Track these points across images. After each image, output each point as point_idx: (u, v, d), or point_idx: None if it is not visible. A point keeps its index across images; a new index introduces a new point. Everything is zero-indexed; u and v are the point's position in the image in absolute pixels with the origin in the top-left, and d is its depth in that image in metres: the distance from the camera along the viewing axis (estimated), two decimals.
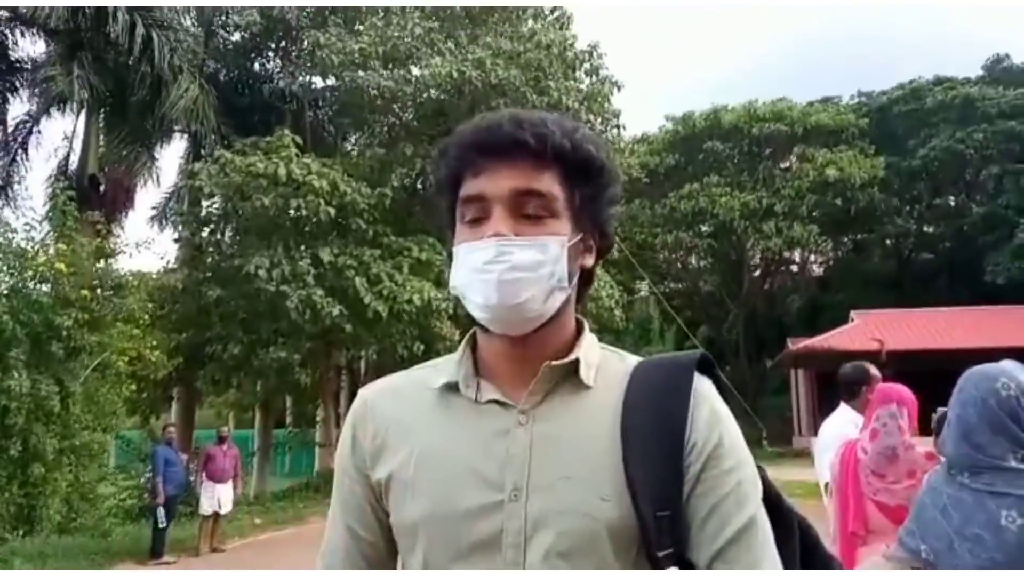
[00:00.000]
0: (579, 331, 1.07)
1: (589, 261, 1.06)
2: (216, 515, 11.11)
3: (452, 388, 1.05)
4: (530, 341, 1.01)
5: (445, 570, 0.98)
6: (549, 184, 0.99)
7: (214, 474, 11.15)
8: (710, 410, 1.00)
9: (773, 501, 1.03)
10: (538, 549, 0.94)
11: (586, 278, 1.08)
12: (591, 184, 1.03)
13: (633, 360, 1.07)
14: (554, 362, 1.01)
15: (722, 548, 0.95)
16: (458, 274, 1.01)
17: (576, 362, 1.02)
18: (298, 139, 15.73)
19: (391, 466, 1.04)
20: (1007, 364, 1.77)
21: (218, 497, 11.05)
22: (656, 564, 0.94)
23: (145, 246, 13.74)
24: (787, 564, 0.99)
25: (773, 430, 23.07)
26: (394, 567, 1.11)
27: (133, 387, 13.39)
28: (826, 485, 3.30)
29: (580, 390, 1.02)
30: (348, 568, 1.09)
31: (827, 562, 1.09)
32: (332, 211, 14.90)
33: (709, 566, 0.95)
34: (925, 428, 3.55)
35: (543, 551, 0.94)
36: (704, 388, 1.02)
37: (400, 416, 1.06)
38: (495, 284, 0.96)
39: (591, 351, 1.05)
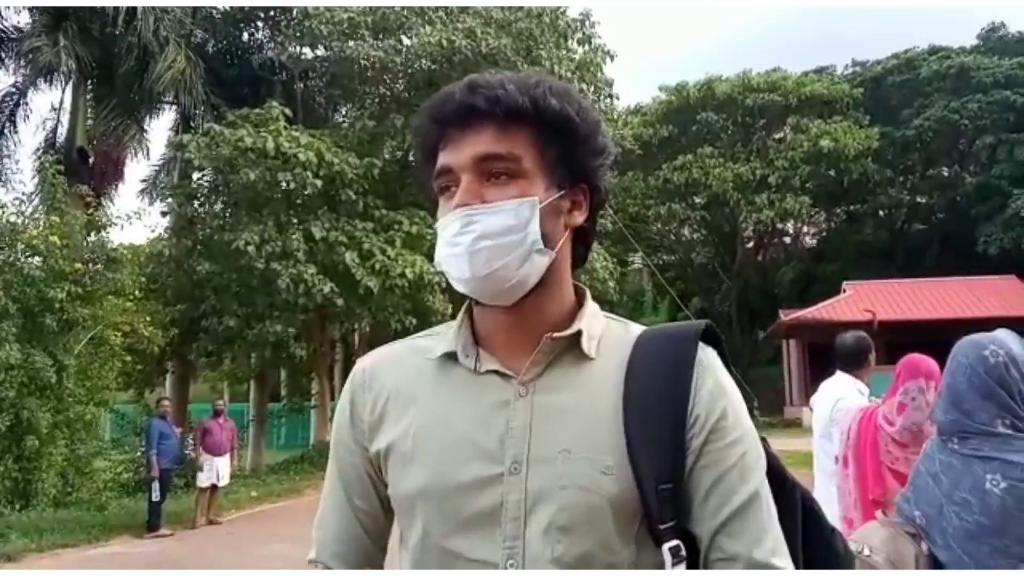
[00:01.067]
0: (581, 301, 1.05)
1: (579, 218, 1.03)
2: (213, 487, 11.20)
3: (451, 357, 1.03)
4: (524, 310, 0.99)
5: (444, 570, 0.97)
6: (512, 145, 0.96)
7: (211, 448, 11.23)
8: (714, 382, 0.99)
9: (776, 474, 1.02)
10: (538, 523, 0.93)
11: (581, 237, 1.05)
12: (564, 139, 0.99)
13: (637, 330, 1.04)
14: (555, 334, 0.99)
15: (725, 521, 0.94)
16: (438, 251, 0.99)
17: (578, 334, 1.00)
18: (287, 111, 15.56)
19: (390, 437, 1.02)
20: (999, 333, 1.78)
21: (216, 470, 11.15)
22: (658, 537, 0.94)
23: (136, 217, 13.67)
24: (789, 538, 0.98)
25: (765, 400, 23.24)
26: (388, 538, 1.10)
27: (128, 358, 13.37)
28: (836, 457, 3.23)
29: (582, 361, 0.99)
30: (344, 538, 1.08)
31: (830, 536, 1.07)
32: (319, 183, 14.78)
33: (712, 539, 0.95)
34: None
35: (543, 525, 0.93)
36: (708, 359, 1.00)
37: (399, 386, 1.04)
38: (466, 256, 0.95)
39: (594, 322, 1.03)
